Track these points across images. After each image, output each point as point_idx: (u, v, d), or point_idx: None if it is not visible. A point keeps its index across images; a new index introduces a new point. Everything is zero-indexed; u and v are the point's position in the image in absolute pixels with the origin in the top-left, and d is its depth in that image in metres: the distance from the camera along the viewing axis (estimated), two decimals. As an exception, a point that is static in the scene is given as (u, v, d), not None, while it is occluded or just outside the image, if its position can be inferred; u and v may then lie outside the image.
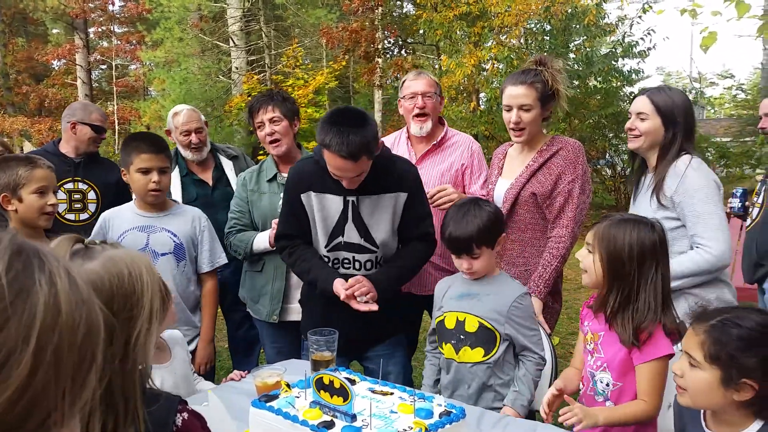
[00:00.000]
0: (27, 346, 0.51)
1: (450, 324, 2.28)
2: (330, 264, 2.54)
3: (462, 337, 2.25)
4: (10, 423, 0.51)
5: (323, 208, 2.49)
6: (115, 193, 3.43)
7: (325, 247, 2.53)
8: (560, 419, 1.85)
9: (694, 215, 2.34)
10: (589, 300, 2.08)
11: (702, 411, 1.61)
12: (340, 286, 2.39)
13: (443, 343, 2.33)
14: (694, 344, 1.51)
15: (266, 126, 2.95)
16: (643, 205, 2.50)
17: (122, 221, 2.74)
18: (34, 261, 0.56)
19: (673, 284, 2.13)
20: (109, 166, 3.63)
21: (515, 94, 2.63)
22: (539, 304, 2.57)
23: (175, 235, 2.73)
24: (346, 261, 2.53)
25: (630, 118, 2.54)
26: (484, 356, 2.22)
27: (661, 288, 1.87)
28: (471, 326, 2.22)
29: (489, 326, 2.20)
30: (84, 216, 3.39)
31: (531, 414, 2.46)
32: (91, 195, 3.41)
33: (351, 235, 2.49)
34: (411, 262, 2.58)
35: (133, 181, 2.67)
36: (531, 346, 2.22)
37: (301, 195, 2.50)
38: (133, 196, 2.84)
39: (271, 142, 2.96)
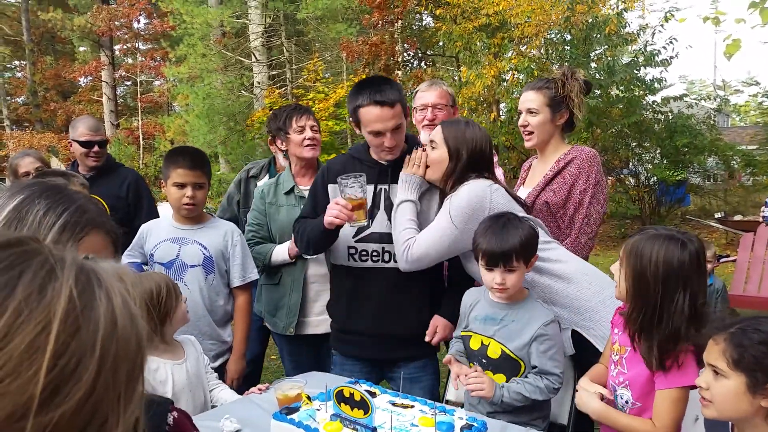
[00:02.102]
0: (94, 352, 0.57)
1: (474, 345, 2.21)
2: (357, 255, 2.51)
3: (484, 361, 2.18)
4: (77, 425, 0.56)
5: None
6: (127, 204, 3.47)
7: (353, 237, 2.51)
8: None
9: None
10: (622, 306, 2.00)
11: (730, 425, 1.58)
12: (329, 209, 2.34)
13: (470, 362, 2.25)
14: (716, 353, 1.49)
15: (308, 131, 3.04)
16: None
17: (159, 232, 2.81)
18: (93, 278, 0.62)
19: None
20: (123, 177, 3.64)
21: (525, 99, 2.76)
22: None
23: (205, 248, 2.76)
24: (375, 253, 2.50)
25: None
26: (506, 382, 2.13)
27: (689, 310, 1.77)
28: (493, 352, 2.15)
29: (512, 355, 2.12)
30: None
31: (556, 428, 2.42)
32: None
33: (381, 223, 2.48)
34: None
35: (170, 194, 2.74)
36: (551, 374, 2.09)
37: (329, 186, 2.54)
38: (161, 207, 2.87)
39: (308, 146, 3.04)
